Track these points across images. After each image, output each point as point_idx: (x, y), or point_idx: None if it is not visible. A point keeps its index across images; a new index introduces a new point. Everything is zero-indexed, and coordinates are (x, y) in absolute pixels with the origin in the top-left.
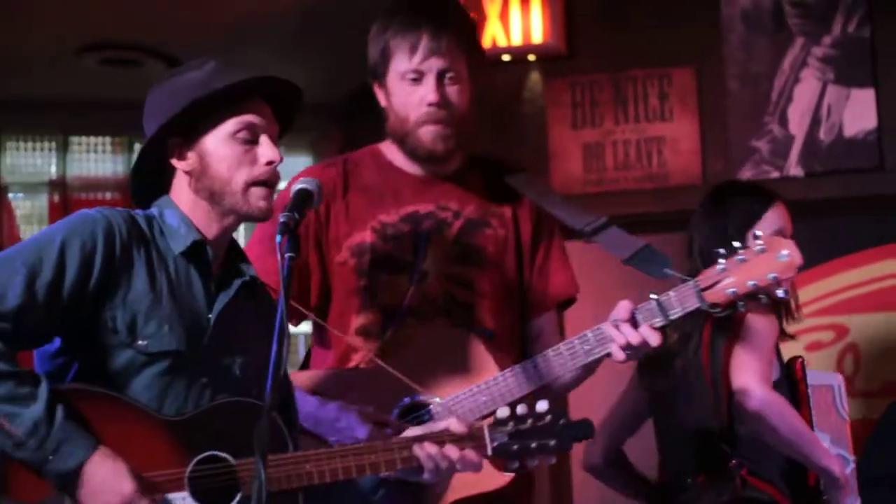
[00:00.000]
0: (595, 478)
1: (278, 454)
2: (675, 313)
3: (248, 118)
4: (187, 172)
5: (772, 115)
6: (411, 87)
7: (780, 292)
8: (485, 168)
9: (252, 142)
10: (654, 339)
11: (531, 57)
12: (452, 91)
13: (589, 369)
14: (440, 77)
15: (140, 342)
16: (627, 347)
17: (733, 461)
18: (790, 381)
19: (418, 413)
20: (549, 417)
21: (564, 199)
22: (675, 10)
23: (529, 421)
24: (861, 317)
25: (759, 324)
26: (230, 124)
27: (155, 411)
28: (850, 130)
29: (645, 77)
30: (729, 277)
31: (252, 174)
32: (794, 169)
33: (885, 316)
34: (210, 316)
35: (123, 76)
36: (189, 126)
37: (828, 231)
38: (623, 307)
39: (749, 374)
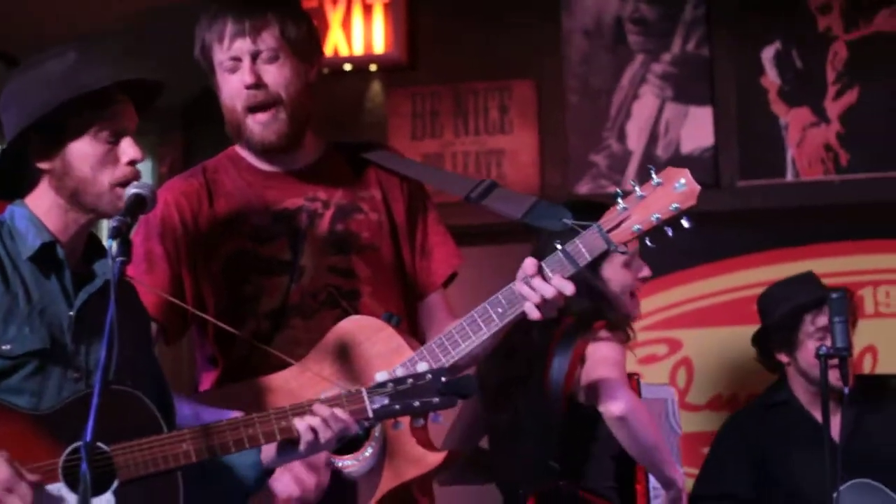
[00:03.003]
0: (452, 485)
1: (153, 436)
2: (584, 260)
3: (112, 118)
4: (48, 171)
5: (610, 130)
6: (230, 75)
7: (684, 222)
8: (347, 153)
9: (114, 141)
10: (568, 288)
11: (373, 67)
12: (269, 70)
13: (500, 335)
14: (254, 59)
15: (3, 347)
16: (542, 303)
17: (562, 482)
18: None
19: None
20: (429, 377)
21: (438, 169)
22: (516, 23)
23: (409, 381)
24: (694, 331)
25: (609, 347)
26: (94, 124)
27: (22, 408)
28: (686, 147)
29: (486, 89)
30: (632, 215)
31: (115, 175)
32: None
33: (717, 331)
34: (71, 313)
35: None
36: (52, 125)
37: (663, 247)
38: (530, 263)
39: (613, 383)
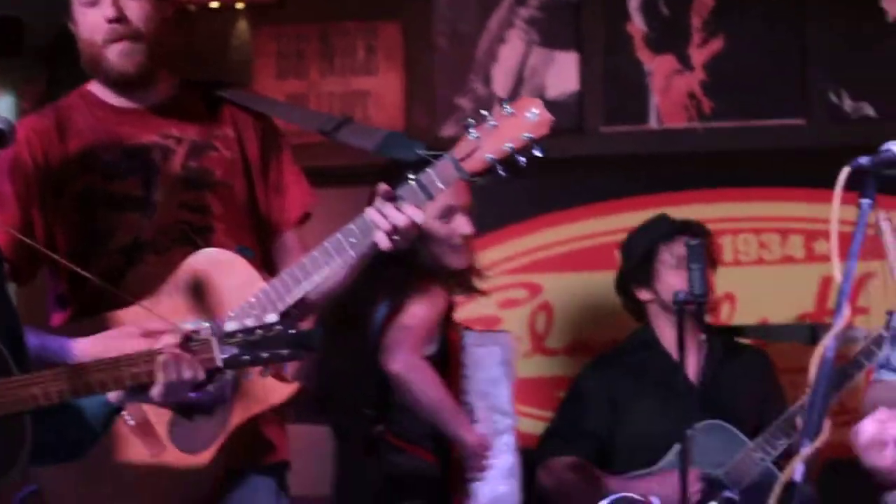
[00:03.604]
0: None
1: (2, 378)
2: (437, 189)
3: None
4: None
5: (476, 74)
6: (90, 9)
7: (536, 152)
8: (201, 91)
9: None
10: (420, 217)
11: (239, 4)
12: (132, 6)
13: (355, 268)
14: None
15: None
16: (393, 231)
17: (378, 427)
18: (448, 349)
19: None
20: (278, 328)
21: (292, 105)
22: None
23: (259, 332)
24: (554, 276)
25: (418, 301)
26: None
27: None
28: (552, 92)
29: (353, 30)
30: (484, 144)
31: None
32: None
33: (578, 276)
34: None
35: None
36: None
37: (526, 191)
38: (383, 189)
39: (395, 341)
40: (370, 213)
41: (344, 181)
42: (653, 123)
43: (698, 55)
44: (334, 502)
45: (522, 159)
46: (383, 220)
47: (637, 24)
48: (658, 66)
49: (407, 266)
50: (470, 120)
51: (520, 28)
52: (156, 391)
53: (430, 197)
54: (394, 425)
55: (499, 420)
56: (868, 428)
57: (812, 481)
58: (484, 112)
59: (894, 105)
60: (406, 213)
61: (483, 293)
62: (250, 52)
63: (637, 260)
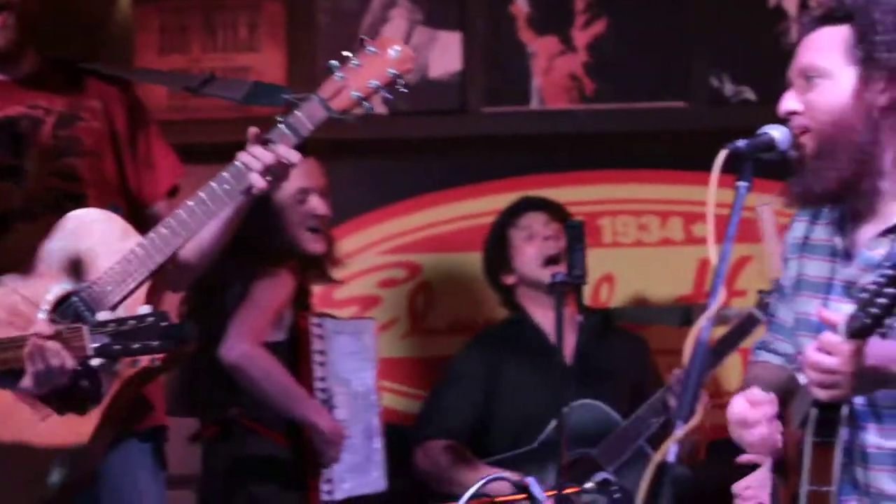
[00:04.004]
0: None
1: None
2: (306, 128)
3: None
4: None
5: None
6: None
7: (401, 87)
8: (64, 67)
9: None
10: (293, 156)
11: None
12: None
13: (229, 225)
14: None
15: None
16: (265, 171)
17: (232, 410)
18: (296, 337)
19: (70, 305)
20: (151, 319)
21: (158, 70)
22: None
23: (131, 322)
24: (434, 256)
25: (263, 286)
26: None
27: None
28: (435, 72)
29: (235, 7)
30: (350, 83)
31: None
32: (379, 107)
33: (458, 256)
34: None
35: None
36: None
37: (407, 171)
38: (251, 132)
39: (234, 330)
40: (241, 156)
41: (209, 158)
42: (535, 104)
43: (581, 37)
44: (199, 484)
45: (388, 94)
46: (254, 160)
47: (520, 5)
48: (541, 48)
49: (259, 250)
50: (334, 62)
51: (403, 7)
52: (26, 381)
53: (299, 136)
54: (249, 408)
55: (361, 406)
56: (736, 407)
57: (698, 463)
58: (347, 53)
59: (774, 89)
60: (276, 153)
61: (340, 282)
62: (132, 27)
63: (493, 246)
